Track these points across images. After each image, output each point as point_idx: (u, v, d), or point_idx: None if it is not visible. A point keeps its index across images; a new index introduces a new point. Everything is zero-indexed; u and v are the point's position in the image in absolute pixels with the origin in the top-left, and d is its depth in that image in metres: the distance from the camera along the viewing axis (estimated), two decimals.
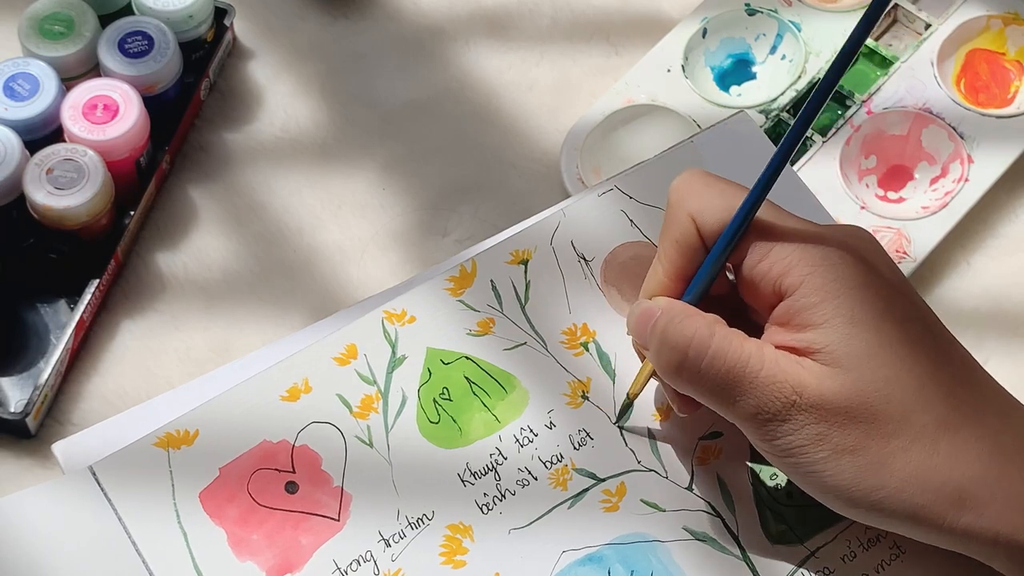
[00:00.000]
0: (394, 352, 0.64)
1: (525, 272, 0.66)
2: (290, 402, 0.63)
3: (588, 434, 0.63)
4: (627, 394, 0.63)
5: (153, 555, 0.60)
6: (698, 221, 0.59)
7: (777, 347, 0.57)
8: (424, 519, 0.61)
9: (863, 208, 0.75)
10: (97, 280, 0.72)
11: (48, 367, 0.69)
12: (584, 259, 0.66)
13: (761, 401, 0.57)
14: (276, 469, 0.62)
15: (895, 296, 0.58)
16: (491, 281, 0.66)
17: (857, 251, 0.58)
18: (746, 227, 0.58)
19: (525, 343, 0.65)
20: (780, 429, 0.57)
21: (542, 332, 0.65)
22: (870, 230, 0.74)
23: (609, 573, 0.61)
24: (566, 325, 0.65)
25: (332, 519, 0.61)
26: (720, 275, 0.60)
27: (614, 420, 0.63)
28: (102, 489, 0.60)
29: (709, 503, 0.62)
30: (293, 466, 0.62)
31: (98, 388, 0.71)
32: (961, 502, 0.56)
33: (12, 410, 0.69)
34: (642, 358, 0.62)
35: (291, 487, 0.61)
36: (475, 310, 0.65)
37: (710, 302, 0.60)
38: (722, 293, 0.61)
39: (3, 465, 0.69)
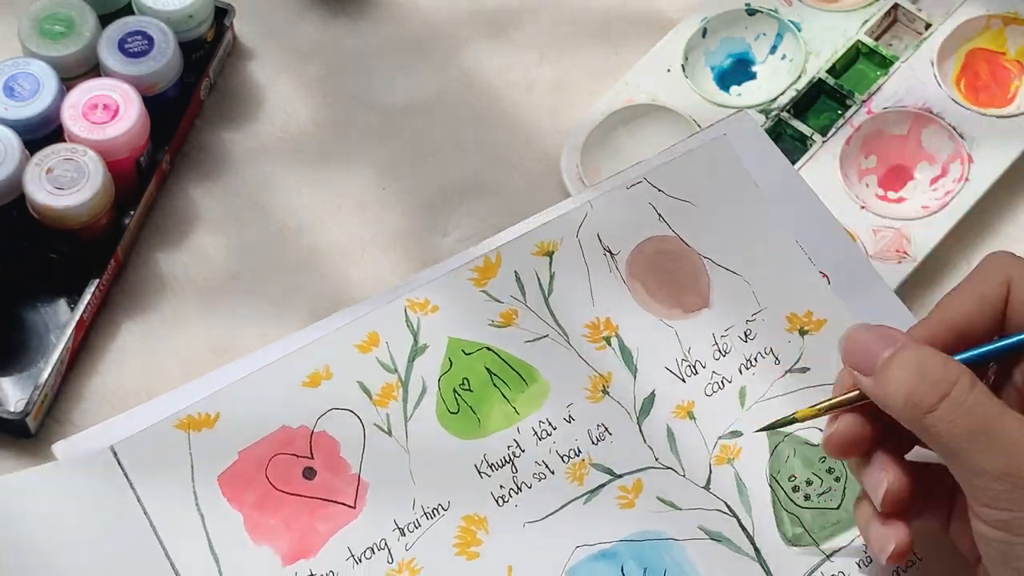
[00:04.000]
0: (416, 341, 0.64)
1: (550, 264, 0.66)
2: (311, 388, 0.63)
3: (607, 429, 0.63)
4: (795, 414, 0.60)
5: (170, 536, 0.60)
6: (1013, 292, 0.56)
7: None
8: (440, 509, 0.61)
9: (863, 208, 0.74)
10: (97, 280, 0.72)
11: (48, 367, 0.69)
12: (610, 252, 0.66)
13: (1013, 459, 0.52)
14: (294, 455, 0.62)
15: None
16: (515, 272, 0.65)
17: None
18: None
19: (547, 335, 0.64)
20: (1015, 497, 0.53)
21: (564, 325, 0.65)
22: (870, 230, 0.74)
23: (622, 570, 0.61)
24: (589, 318, 0.65)
25: (348, 506, 0.61)
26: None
27: (757, 428, 0.62)
28: (122, 468, 0.61)
29: (726, 503, 0.62)
30: (311, 452, 0.62)
31: (98, 388, 0.71)
32: None
33: (12, 410, 0.69)
34: (843, 390, 0.58)
35: (309, 473, 0.62)
36: (498, 301, 0.65)
37: None
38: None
39: (3, 465, 0.69)
